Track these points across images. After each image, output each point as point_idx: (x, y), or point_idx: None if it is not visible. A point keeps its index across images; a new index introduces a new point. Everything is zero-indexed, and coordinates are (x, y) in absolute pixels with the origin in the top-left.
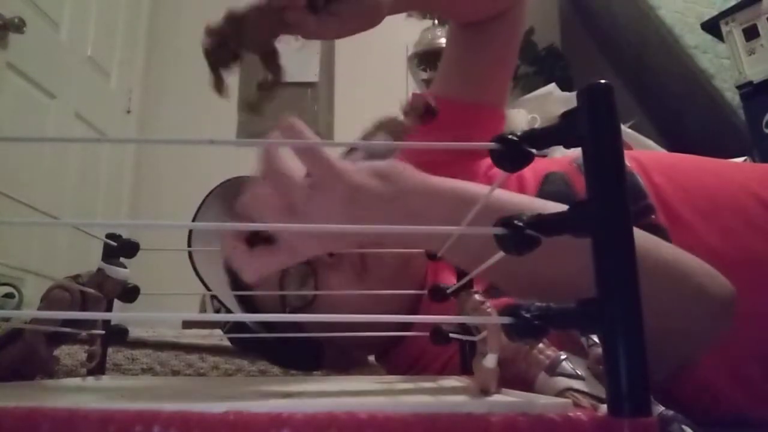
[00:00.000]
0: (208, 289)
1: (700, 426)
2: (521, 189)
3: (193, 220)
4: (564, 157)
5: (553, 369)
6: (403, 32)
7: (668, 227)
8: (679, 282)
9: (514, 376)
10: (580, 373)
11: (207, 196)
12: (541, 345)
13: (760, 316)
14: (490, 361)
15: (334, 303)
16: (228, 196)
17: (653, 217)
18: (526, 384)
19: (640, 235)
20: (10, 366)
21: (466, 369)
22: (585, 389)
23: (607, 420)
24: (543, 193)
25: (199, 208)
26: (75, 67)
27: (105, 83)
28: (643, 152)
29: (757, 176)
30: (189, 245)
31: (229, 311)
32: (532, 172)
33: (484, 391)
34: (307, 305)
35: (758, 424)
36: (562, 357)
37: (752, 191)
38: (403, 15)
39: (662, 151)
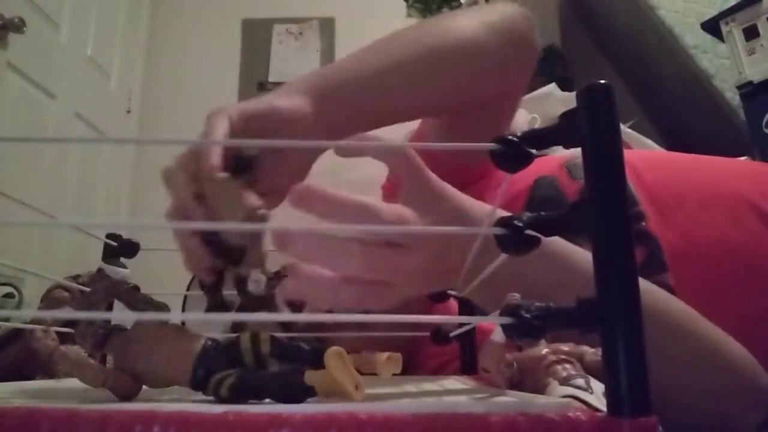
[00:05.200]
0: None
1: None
2: (513, 194)
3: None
4: (554, 157)
5: (566, 380)
6: None
7: (659, 233)
8: (723, 368)
9: (532, 386)
10: (593, 390)
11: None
12: (568, 365)
13: (739, 304)
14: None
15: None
16: None
17: (644, 224)
18: (541, 393)
19: (691, 315)
20: (11, 366)
21: (466, 369)
22: (590, 402)
23: (607, 420)
24: (534, 199)
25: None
26: (75, 67)
27: (105, 83)
28: (634, 152)
29: (750, 173)
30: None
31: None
32: (522, 175)
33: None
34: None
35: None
36: (581, 374)
37: (742, 192)
38: (403, 15)
39: (660, 150)
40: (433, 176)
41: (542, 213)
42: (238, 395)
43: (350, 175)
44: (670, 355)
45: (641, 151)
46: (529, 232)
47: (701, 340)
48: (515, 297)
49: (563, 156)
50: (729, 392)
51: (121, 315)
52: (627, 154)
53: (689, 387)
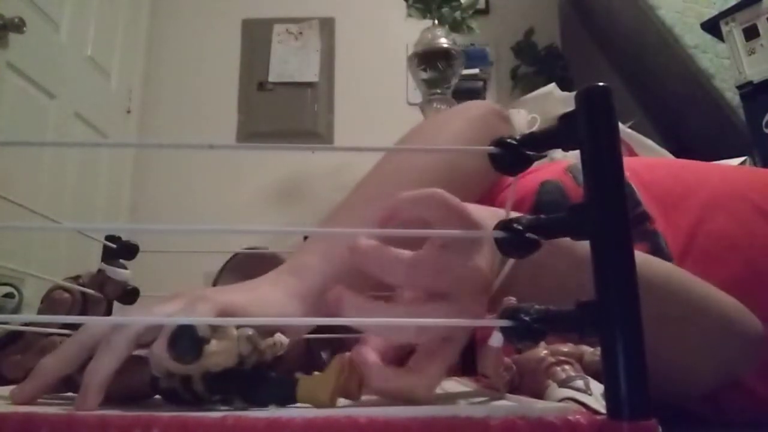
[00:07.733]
0: None
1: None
2: (519, 197)
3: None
4: (558, 163)
5: (565, 383)
6: (403, 32)
7: (663, 230)
8: (713, 319)
9: (532, 388)
10: (591, 391)
11: (221, 270)
12: (567, 366)
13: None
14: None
15: None
16: (242, 269)
17: (648, 224)
18: (540, 395)
19: (676, 271)
20: (11, 366)
21: (466, 371)
22: (589, 403)
23: (607, 422)
24: (540, 203)
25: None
26: (75, 67)
27: (105, 83)
28: (636, 159)
29: (751, 176)
30: None
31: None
32: (528, 179)
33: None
34: None
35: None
36: (580, 375)
37: (744, 192)
38: (403, 15)
39: (663, 150)
40: (469, 207)
41: (542, 216)
42: (214, 389)
43: (351, 176)
44: (665, 314)
45: (641, 158)
46: (529, 235)
47: (693, 294)
48: (512, 300)
49: (567, 161)
50: (724, 342)
51: (120, 318)
52: (631, 161)
53: (688, 344)
